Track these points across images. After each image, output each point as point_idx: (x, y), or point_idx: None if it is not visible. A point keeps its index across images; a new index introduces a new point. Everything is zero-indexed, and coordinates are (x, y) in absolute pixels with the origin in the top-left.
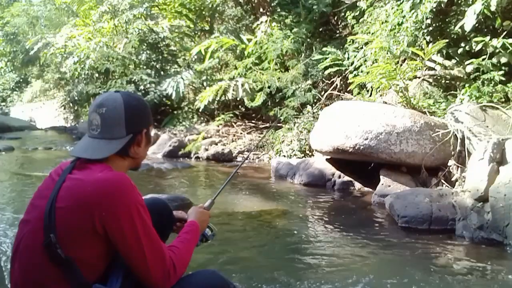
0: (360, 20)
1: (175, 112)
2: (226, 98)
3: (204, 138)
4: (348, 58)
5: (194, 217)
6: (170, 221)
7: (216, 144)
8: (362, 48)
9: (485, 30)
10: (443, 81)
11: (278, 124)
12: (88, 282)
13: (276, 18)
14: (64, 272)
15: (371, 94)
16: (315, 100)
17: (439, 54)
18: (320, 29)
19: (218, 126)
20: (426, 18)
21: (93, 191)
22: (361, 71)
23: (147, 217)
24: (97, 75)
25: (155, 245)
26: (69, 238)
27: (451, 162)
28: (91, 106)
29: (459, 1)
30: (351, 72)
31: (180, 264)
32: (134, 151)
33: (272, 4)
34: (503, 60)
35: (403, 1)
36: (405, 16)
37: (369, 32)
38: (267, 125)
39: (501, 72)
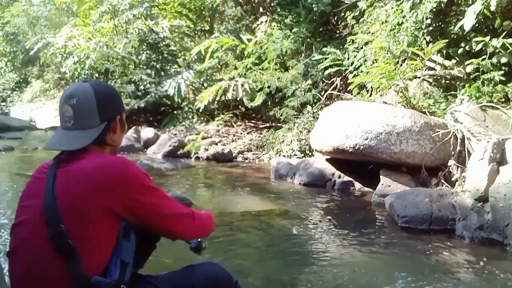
0: (360, 20)
1: (175, 112)
2: (226, 98)
3: (204, 138)
4: (348, 58)
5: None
6: None
7: (216, 144)
8: (362, 48)
9: (485, 30)
10: (443, 81)
11: (278, 124)
12: (87, 275)
13: (276, 18)
14: (68, 264)
15: (371, 94)
16: (315, 100)
17: (439, 54)
18: (320, 29)
19: (218, 126)
20: (426, 18)
21: (104, 175)
22: (361, 71)
23: (152, 182)
24: (97, 75)
25: (170, 201)
26: (80, 227)
27: (451, 162)
28: (61, 99)
29: (459, 1)
30: (351, 72)
31: (199, 219)
32: (111, 138)
33: (272, 4)
34: (503, 60)
35: (403, 1)
36: (405, 16)
37: (369, 32)
38: (267, 125)
39: (501, 72)
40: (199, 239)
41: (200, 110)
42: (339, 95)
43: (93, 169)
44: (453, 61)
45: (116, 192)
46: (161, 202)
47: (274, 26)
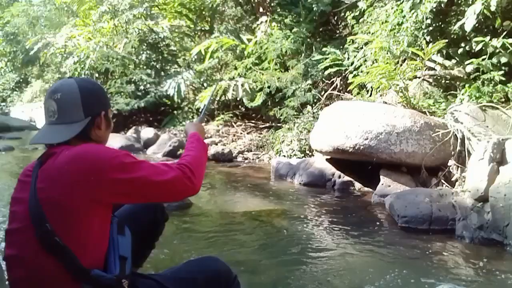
0: (360, 20)
1: (175, 112)
2: (226, 98)
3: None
4: (348, 58)
5: (193, 129)
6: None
7: (216, 144)
8: (362, 48)
9: (485, 30)
10: (443, 81)
11: (278, 124)
12: (86, 268)
13: (276, 18)
14: (62, 261)
15: (371, 94)
16: (315, 100)
17: (439, 54)
18: (320, 29)
19: (218, 126)
20: (426, 18)
21: (76, 167)
22: (361, 71)
23: (131, 156)
24: (97, 75)
25: (158, 168)
26: (65, 223)
27: (451, 162)
28: (46, 94)
29: (459, 1)
30: (351, 72)
31: (195, 165)
32: (96, 134)
33: (272, 4)
34: (503, 60)
35: (403, 1)
36: (405, 16)
37: (369, 32)
38: (267, 125)
39: (501, 72)
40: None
41: (200, 110)
42: (339, 95)
43: (64, 164)
44: (453, 61)
45: (93, 181)
46: (146, 173)
47: (274, 26)
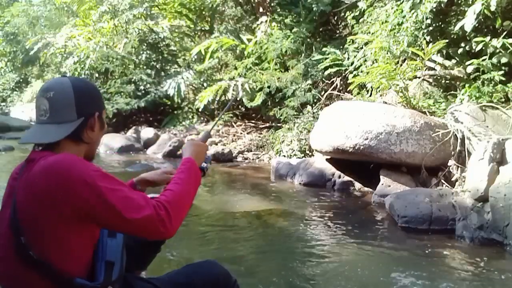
0: (360, 20)
1: (175, 112)
2: (226, 98)
3: None
4: (348, 58)
5: (189, 152)
6: None
7: (216, 144)
8: (362, 48)
9: (485, 30)
10: (443, 81)
11: (278, 124)
12: (69, 278)
13: (276, 18)
14: (42, 273)
15: (371, 94)
16: (315, 100)
17: (439, 54)
18: (320, 29)
19: (218, 126)
20: (426, 18)
21: (46, 180)
22: (361, 71)
23: (109, 179)
24: (97, 75)
25: (131, 201)
26: (40, 238)
27: (451, 162)
28: (38, 92)
29: (459, 1)
30: (351, 72)
31: (174, 206)
32: (88, 135)
33: (272, 4)
34: (503, 60)
35: (403, 1)
36: (405, 16)
37: (369, 32)
38: (267, 125)
39: (501, 72)
40: (206, 162)
41: (200, 110)
42: (339, 95)
43: (37, 176)
44: (453, 61)
45: (61, 196)
46: (117, 203)
47: (274, 26)
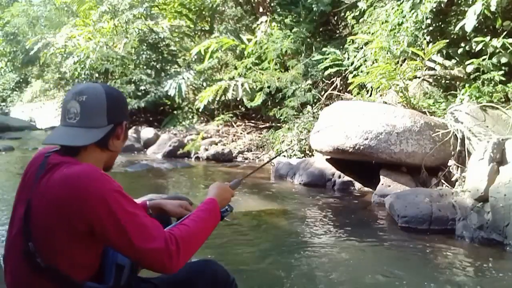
0: (360, 20)
1: (175, 112)
2: (226, 98)
3: (204, 138)
4: (348, 58)
5: (213, 193)
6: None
7: (216, 144)
8: (362, 48)
9: (485, 30)
10: (443, 81)
11: (278, 124)
12: (79, 283)
13: (276, 18)
14: (49, 279)
15: (371, 94)
16: (315, 100)
17: (439, 54)
18: (320, 29)
19: (218, 126)
20: (426, 18)
21: (62, 190)
22: (361, 71)
23: (128, 201)
24: (97, 75)
25: (144, 229)
26: (49, 246)
27: (451, 162)
28: (68, 94)
29: (459, 1)
30: (351, 72)
31: (186, 243)
32: (113, 143)
33: (272, 4)
34: (503, 60)
35: (403, 1)
36: (405, 16)
37: (369, 32)
38: (267, 125)
39: (501, 72)
40: (228, 209)
41: (200, 110)
42: (339, 95)
43: (57, 183)
44: (453, 61)
45: (77, 209)
46: (130, 229)
47: (274, 26)
